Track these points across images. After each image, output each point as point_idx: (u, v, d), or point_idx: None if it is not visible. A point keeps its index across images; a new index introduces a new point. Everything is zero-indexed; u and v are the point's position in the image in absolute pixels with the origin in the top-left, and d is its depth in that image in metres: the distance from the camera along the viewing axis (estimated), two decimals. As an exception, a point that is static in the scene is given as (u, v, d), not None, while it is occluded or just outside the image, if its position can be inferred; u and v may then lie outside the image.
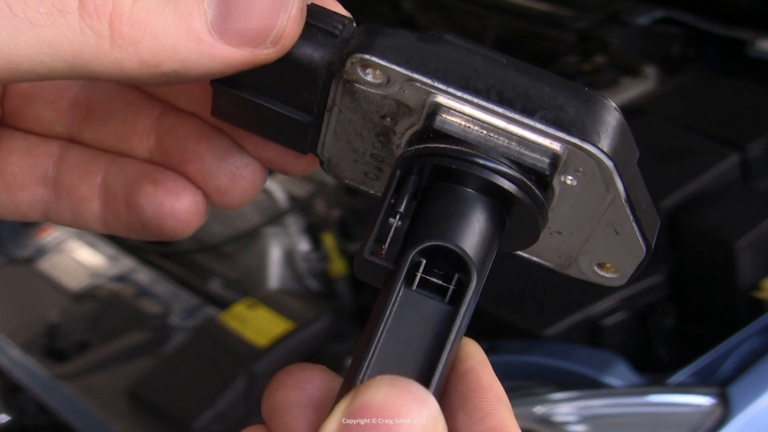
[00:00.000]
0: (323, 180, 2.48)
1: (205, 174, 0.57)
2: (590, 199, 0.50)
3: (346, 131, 0.53)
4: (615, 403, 1.69)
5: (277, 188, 2.50)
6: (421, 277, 0.48)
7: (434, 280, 0.48)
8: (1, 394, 2.25)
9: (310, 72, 0.51)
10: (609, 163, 0.48)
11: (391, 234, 0.49)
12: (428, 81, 0.49)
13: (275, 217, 2.44)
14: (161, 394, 2.06)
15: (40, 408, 2.18)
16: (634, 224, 0.51)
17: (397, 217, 0.49)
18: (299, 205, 2.46)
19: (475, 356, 0.50)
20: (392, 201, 0.49)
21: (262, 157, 0.57)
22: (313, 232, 2.45)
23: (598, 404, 1.68)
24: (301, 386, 0.50)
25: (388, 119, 0.51)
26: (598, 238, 0.52)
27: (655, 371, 1.81)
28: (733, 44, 2.42)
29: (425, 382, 0.46)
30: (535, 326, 1.86)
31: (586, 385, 1.73)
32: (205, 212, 0.58)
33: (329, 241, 2.38)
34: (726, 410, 1.64)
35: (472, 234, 0.49)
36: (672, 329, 1.97)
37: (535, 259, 0.55)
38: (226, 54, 0.48)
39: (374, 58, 0.49)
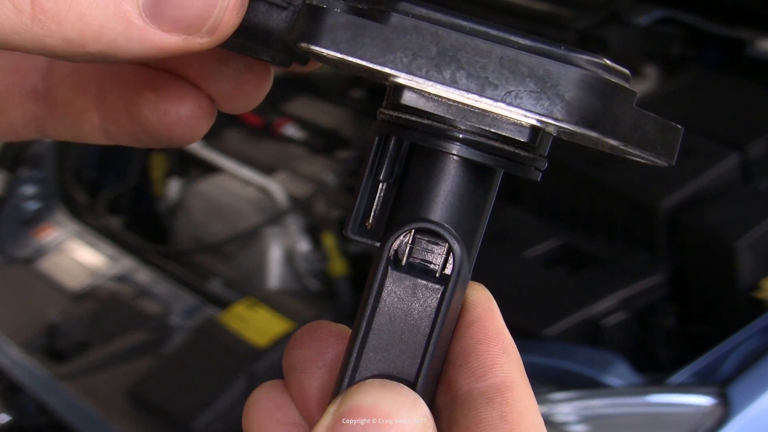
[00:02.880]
0: (323, 180, 2.48)
1: (206, 79, 0.54)
2: (593, 142, 0.47)
3: (335, 66, 0.50)
4: (615, 403, 1.69)
5: (277, 188, 2.50)
6: (409, 251, 0.46)
7: (420, 259, 0.46)
8: (1, 394, 2.25)
9: (265, 46, 0.48)
10: (593, 134, 0.44)
11: (376, 205, 0.46)
12: (380, 69, 0.44)
13: (275, 217, 2.44)
14: (161, 394, 2.06)
15: (40, 408, 2.18)
16: (645, 155, 0.47)
17: (381, 185, 0.46)
18: (299, 205, 2.46)
19: (481, 304, 0.47)
20: (374, 169, 0.47)
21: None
22: (313, 232, 2.45)
23: (598, 404, 1.68)
24: (317, 346, 0.49)
25: (363, 71, 0.47)
26: (620, 152, 0.49)
27: (655, 371, 1.81)
28: (733, 44, 2.42)
29: (416, 375, 0.45)
30: (535, 326, 1.86)
31: (586, 385, 1.73)
32: (213, 115, 0.55)
33: (329, 241, 2.38)
34: (726, 410, 1.65)
35: (456, 204, 0.46)
36: (672, 329, 1.97)
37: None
38: (156, 39, 0.44)
39: (319, 49, 0.45)
